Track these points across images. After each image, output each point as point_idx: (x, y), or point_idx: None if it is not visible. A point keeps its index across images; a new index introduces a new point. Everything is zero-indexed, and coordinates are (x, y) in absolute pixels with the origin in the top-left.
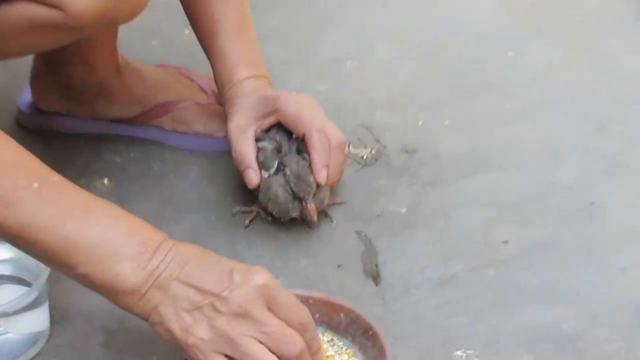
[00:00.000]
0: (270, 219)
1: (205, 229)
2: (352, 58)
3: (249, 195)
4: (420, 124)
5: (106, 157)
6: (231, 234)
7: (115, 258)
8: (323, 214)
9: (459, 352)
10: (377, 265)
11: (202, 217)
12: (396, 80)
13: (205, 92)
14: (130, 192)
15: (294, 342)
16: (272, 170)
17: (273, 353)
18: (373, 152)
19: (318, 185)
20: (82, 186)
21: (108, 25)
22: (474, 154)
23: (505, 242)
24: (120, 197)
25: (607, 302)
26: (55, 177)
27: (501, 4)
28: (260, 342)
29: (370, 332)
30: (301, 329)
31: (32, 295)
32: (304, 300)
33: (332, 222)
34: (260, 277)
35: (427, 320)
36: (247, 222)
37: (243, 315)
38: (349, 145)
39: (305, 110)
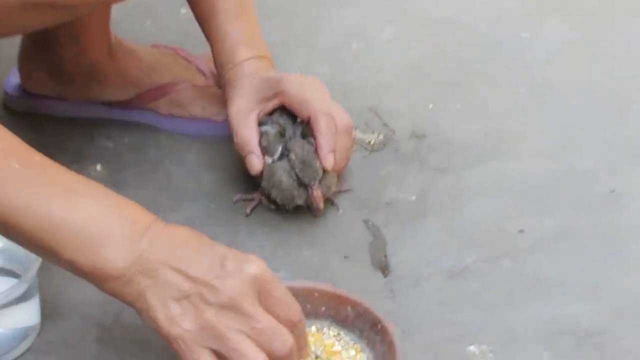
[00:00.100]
0: (273, 207)
1: (204, 218)
2: (358, 39)
3: (251, 182)
4: (430, 107)
5: (99, 143)
6: (231, 223)
7: (102, 241)
8: (329, 202)
9: (472, 348)
10: (385, 256)
11: (200, 205)
12: (405, 62)
13: (203, 73)
14: (125, 179)
15: (284, 339)
16: (276, 156)
17: (261, 349)
18: (381, 137)
19: (324, 171)
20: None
21: (102, 4)
22: (487, 138)
23: (521, 231)
24: (114, 184)
25: (628, 294)
26: (37, 157)
27: None
28: (249, 338)
29: (379, 327)
30: (291, 326)
31: (22, 287)
32: (309, 292)
33: (338, 210)
34: (254, 266)
35: (438, 314)
36: (248, 210)
37: (233, 307)
38: (355, 130)
39: (311, 92)
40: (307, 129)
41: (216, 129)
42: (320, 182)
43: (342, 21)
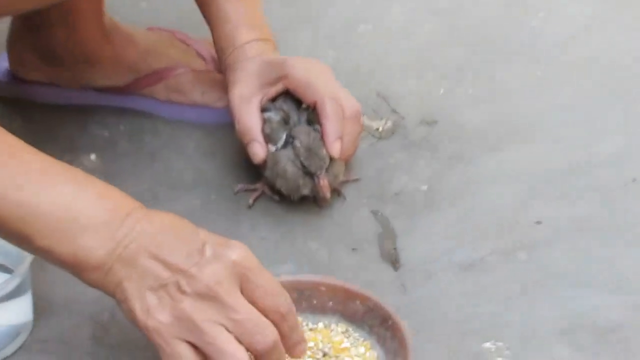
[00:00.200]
0: (277, 197)
1: (204, 210)
2: (365, 21)
3: (253, 172)
4: (441, 92)
5: (93, 131)
6: (233, 214)
7: (79, 228)
8: (335, 192)
9: (488, 345)
10: (395, 249)
11: (200, 196)
12: (414, 45)
13: (202, 57)
14: (120, 169)
15: (266, 333)
16: (280, 144)
17: (241, 344)
18: (389, 124)
19: (331, 159)
20: (67, 162)
21: None
22: (502, 125)
23: (538, 222)
24: (108, 175)
25: None
26: (10, 139)
27: None
28: (228, 331)
29: (390, 322)
30: (278, 318)
31: (14, 283)
32: (316, 287)
33: (345, 200)
34: (236, 252)
35: (452, 309)
36: (250, 201)
37: (210, 297)
38: (362, 117)
39: (316, 76)
40: (312, 115)
41: (216, 116)
42: (326, 170)
43: (348, 2)
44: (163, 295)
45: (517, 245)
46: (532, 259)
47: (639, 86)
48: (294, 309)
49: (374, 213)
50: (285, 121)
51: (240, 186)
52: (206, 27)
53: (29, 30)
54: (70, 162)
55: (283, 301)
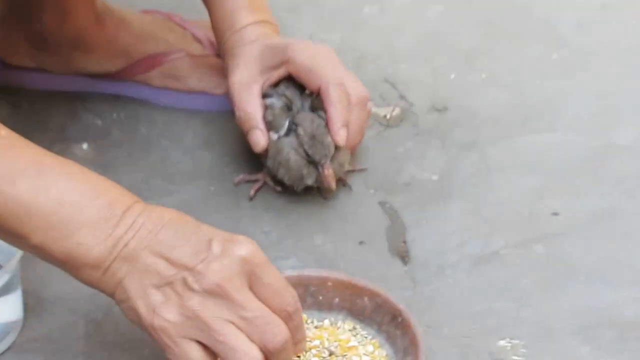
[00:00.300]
0: (279, 188)
1: (203, 202)
2: (370, 2)
3: (254, 162)
4: (452, 77)
5: (85, 119)
6: (233, 207)
7: (76, 224)
8: (341, 182)
9: (502, 342)
10: (405, 242)
11: (198, 187)
12: (423, 27)
13: (200, 41)
14: (114, 159)
15: (277, 331)
16: (282, 131)
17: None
18: (398, 111)
19: (336, 147)
20: (57, 153)
21: None
22: (516, 111)
23: (555, 213)
24: (101, 165)
25: None
26: (3, 132)
27: None
28: (238, 329)
29: (400, 319)
30: (284, 317)
31: (3, 279)
32: (322, 282)
33: (351, 191)
34: (244, 248)
35: (464, 305)
36: (252, 192)
37: (219, 294)
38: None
39: (321, 61)
40: (317, 101)
41: (215, 103)
42: (331, 159)
43: None
44: (169, 292)
45: (533, 238)
46: (548, 252)
47: None
48: (300, 307)
49: (382, 205)
50: (288, 108)
51: (240, 177)
52: (204, 10)
53: (18, 14)
54: (61, 152)
55: (290, 299)
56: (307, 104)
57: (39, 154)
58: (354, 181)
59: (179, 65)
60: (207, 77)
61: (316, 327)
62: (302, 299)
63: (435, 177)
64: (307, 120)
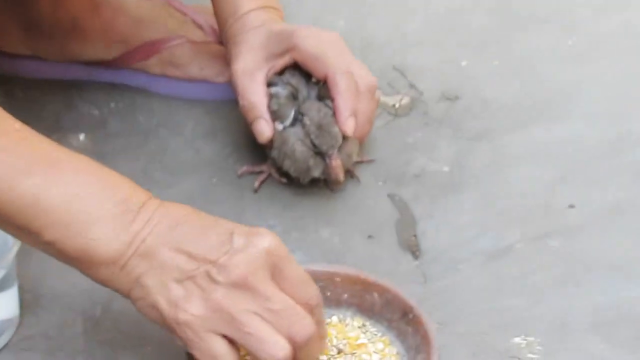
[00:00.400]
0: (285, 180)
1: (204, 194)
2: None
3: (258, 153)
4: (463, 64)
5: (81, 109)
6: (236, 199)
7: (90, 219)
8: (349, 174)
9: (517, 340)
10: (415, 236)
11: (200, 179)
12: (433, 12)
13: (201, 27)
14: (112, 150)
15: (305, 323)
16: (288, 121)
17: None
18: (407, 100)
19: (344, 138)
20: None
21: None
22: (530, 100)
23: (572, 206)
24: (99, 156)
25: None
26: (17, 125)
27: None
28: (265, 321)
29: (411, 316)
30: (308, 310)
31: None
32: (329, 277)
33: (359, 182)
34: (267, 240)
35: (478, 301)
36: (256, 184)
37: (244, 286)
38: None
39: (328, 48)
40: (323, 89)
41: (217, 92)
42: (339, 150)
43: None
44: (191, 286)
45: (548, 232)
46: (564, 246)
47: None
48: (322, 302)
49: (392, 197)
50: (294, 97)
51: (244, 168)
52: None
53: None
54: (57, 143)
55: (313, 293)
56: (313, 92)
57: (53, 148)
58: (362, 173)
59: (178, 53)
60: (208, 65)
61: None
62: None
63: (446, 169)
64: (313, 110)
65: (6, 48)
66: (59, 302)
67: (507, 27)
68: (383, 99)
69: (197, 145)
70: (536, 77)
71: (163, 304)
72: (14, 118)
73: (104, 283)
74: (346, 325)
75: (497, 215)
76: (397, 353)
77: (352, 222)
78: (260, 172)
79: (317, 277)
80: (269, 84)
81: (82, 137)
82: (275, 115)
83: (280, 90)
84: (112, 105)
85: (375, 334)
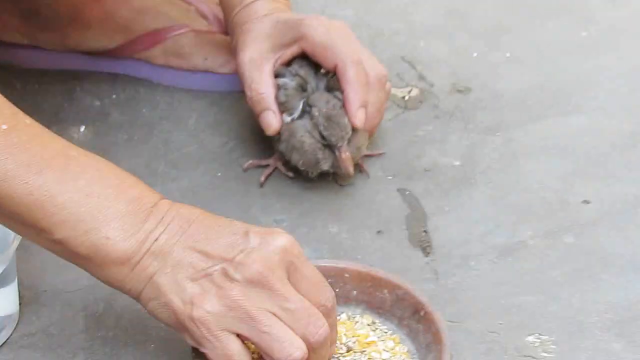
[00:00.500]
0: (291, 174)
1: (209, 189)
2: None
3: (264, 145)
4: (474, 56)
5: (82, 100)
6: (242, 194)
7: (104, 217)
8: (358, 168)
9: (531, 338)
10: (426, 231)
11: (204, 173)
12: (443, 1)
13: (205, 17)
14: (114, 143)
15: (320, 324)
16: (296, 113)
17: None
18: (416, 92)
19: (353, 130)
20: None
21: None
22: (543, 92)
23: (586, 201)
24: (101, 150)
25: None
26: (28, 120)
27: None
28: (280, 320)
29: (422, 313)
30: (323, 311)
31: None
32: (339, 273)
33: (368, 176)
34: (283, 239)
35: (490, 298)
36: (262, 178)
37: (261, 284)
38: None
39: (337, 38)
40: (332, 80)
41: (221, 83)
42: (348, 142)
43: None
44: (206, 284)
45: (562, 227)
46: (579, 243)
47: None
48: (336, 305)
49: (402, 191)
50: (302, 88)
51: (250, 162)
52: None
53: None
54: (58, 135)
55: (329, 294)
56: (322, 84)
57: (64, 145)
58: (371, 167)
59: (182, 42)
60: (212, 55)
61: None
62: None
63: (457, 163)
64: (322, 101)
65: (4, 37)
66: (60, 299)
67: (519, 18)
68: (392, 91)
69: (201, 138)
70: (550, 68)
71: (177, 302)
72: (23, 113)
73: (113, 284)
74: (355, 322)
75: (510, 211)
76: (408, 351)
77: (361, 217)
78: (267, 166)
79: (326, 274)
80: (277, 75)
81: (82, 129)
82: (283, 107)
83: (288, 82)
84: (114, 96)
85: (385, 332)
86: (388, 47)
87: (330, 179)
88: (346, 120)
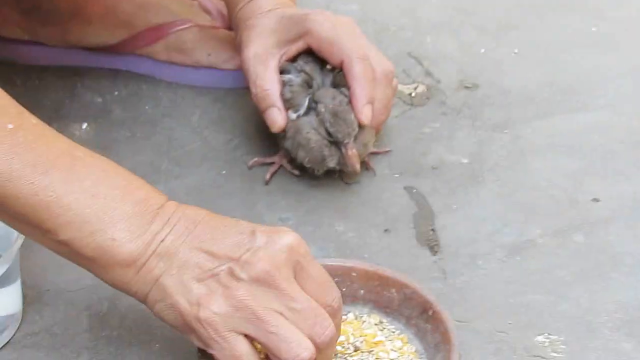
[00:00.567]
0: (297, 172)
1: (213, 186)
2: None
3: (269, 143)
4: (482, 52)
5: (84, 96)
6: (247, 192)
7: (110, 218)
8: (364, 165)
9: (540, 338)
10: (433, 230)
11: (208, 171)
12: None
13: (209, 12)
14: (116, 140)
15: (327, 324)
16: (302, 110)
17: None
18: (423, 88)
19: (360, 126)
20: None
21: None
22: (552, 89)
23: (596, 199)
24: (103, 147)
25: None
26: (34, 120)
27: None
28: (287, 320)
29: (430, 312)
30: (329, 313)
31: (1, 269)
32: (346, 272)
33: (374, 174)
34: (289, 238)
35: (499, 298)
36: (267, 176)
37: (267, 283)
38: None
39: (343, 33)
40: (338, 76)
41: (226, 79)
42: (355, 139)
43: None
44: (213, 285)
45: (572, 226)
46: (588, 241)
47: None
48: (342, 306)
49: (409, 189)
50: (308, 84)
51: (255, 160)
52: None
53: None
54: (59, 132)
55: (336, 295)
56: (328, 80)
57: (70, 145)
58: (378, 164)
59: (185, 37)
60: (216, 51)
61: None
62: None
63: (465, 160)
64: (328, 97)
65: (4, 32)
66: (63, 298)
67: (527, 13)
68: (399, 87)
69: (205, 135)
70: (558, 64)
71: (183, 303)
72: (29, 112)
73: (118, 286)
74: (363, 322)
75: (518, 209)
76: (416, 351)
77: (368, 215)
78: (272, 164)
79: (333, 272)
80: (282, 71)
81: (84, 126)
82: (289, 104)
83: (294, 78)
84: (116, 92)
85: (393, 332)
86: (394, 43)
87: (336, 176)
88: (353, 116)
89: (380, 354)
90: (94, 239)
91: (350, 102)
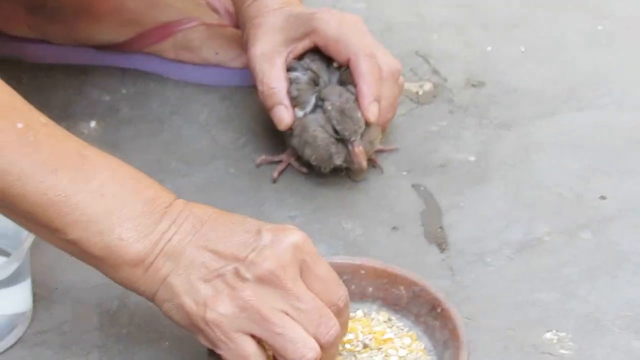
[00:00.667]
0: (305, 170)
1: (221, 184)
2: None
3: (277, 141)
4: (488, 50)
5: (91, 95)
6: (255, 190)
7: (118, 217)
8: (371, 163)
9: (548, 335)
10: (441, 228)
11: (216, 169)
12: None
13: (216, 10)
14: (123, 138)
15: (332, 324)
16: (309, 108)
17: None
18: (430, 86)
19: (367, 124)
20: None
21: None
22: (558, 87)
23: (603, 197)
24: (110, 145)
25: None
26: (43, 119)
27: None
28: (292, 320)
29: (439, 310)
30: (335, 311)
31: (11, 267)
32: (354, 270)
33: (381, 172)
34: (295, 236)
35: (507, 295)
36: (275, 174)
37: (273, 283)
38: None
39: (349, 32)
40: (345, 74)
41: (233, 77)
42: (361, 137)
43: None
44: (219, 285)
45: (579, 224)
46: (596, 239)
47: None
48: (349, 304)
49: (416, 187)
50: (315, 82)
51: (262, 158)
52: None
53: None
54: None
55: (342, 293)
56: (334, 77)
57: (79, 145)
58: (385, 162)
59: (193, 36)
60: (223, 49)
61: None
62: None
63: (472, 158)
64: (334, 94)
65: (11, 31)
66: (73, 296)
67: (534, 11)
68: (405, 85)
69: (213, 133)
70: (565, 62)
71: (190, 304)
72: (38, 111)
73: (127, 285)
74: (372, 319)
75: (526, 206)
76: (425, 348)
77: (376, 213)
78: (280, 162)
79: (341, 270)
80: (289, 69)
81: (92, 124)
82: (295, 102)
83: (301, 76)
84: (124, 91)
85: (402, 329)
86: (401, 41)
87: (343, 174)
88: (359, 114)
89: (389, 351)
90: (102, 239)
91: (356, 99)
